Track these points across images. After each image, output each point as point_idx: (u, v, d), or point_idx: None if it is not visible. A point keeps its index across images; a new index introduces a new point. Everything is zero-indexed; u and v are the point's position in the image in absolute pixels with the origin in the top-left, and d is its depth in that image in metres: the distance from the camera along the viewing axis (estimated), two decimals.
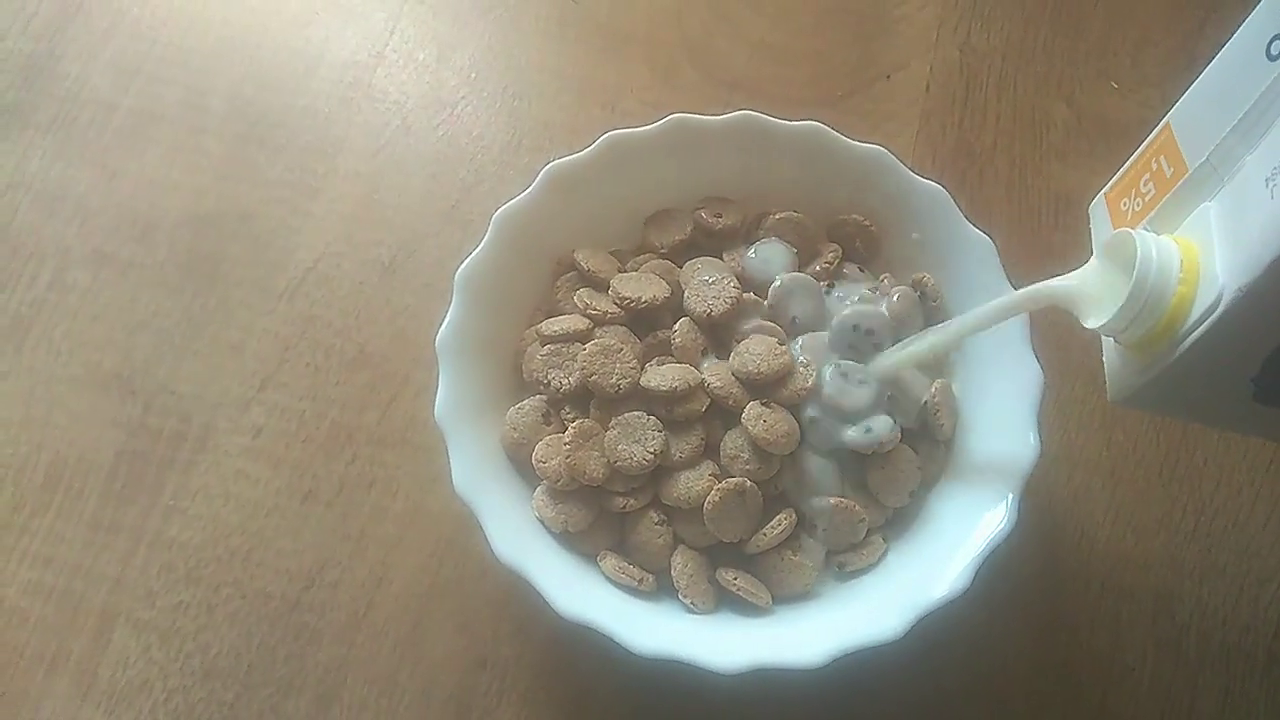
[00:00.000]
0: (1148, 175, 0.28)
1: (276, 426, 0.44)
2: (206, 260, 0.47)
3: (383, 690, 0.39)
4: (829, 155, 0.40)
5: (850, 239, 0.42)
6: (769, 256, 0.40)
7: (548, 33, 0.53)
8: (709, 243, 0.41)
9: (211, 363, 0.45)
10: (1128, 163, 0.29)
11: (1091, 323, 0.28)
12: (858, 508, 0.37)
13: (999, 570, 0.36)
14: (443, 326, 0.37)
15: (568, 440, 0.36)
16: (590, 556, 0.37)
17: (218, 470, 0.43)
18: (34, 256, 0.47)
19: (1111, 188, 0.30)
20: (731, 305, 0.38)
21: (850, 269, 0.41)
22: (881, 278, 0.41)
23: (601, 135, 0.40)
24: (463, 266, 0.38)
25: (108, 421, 0.44)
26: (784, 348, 0.37)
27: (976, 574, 0.34)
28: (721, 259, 0.41)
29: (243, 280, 0.46)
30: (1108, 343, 0.30)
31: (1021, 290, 0.33)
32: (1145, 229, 0.27)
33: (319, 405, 0.44)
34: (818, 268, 0.40)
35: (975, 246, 0.39)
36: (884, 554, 0.37)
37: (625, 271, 0.40)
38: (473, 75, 0.51)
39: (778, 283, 0.39)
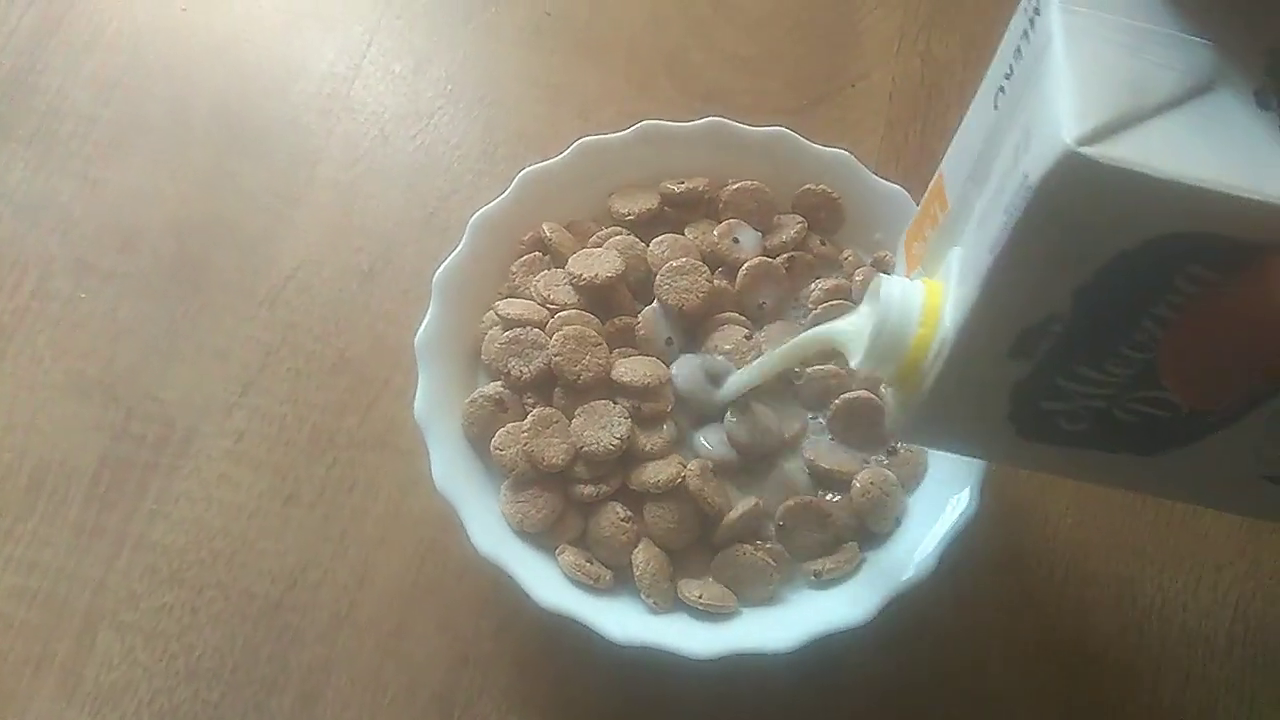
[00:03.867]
0: (928, 219, 0.28)
1: (258, 431, 0.44)
2: (188, 268, 0.48)
3: (366, 688, 0.40)
4: (795, 159, 0.42)
5: (815, 210, 0.42)
6: (737, 237, 0.41)
7: (523, 44, 0.54)
8: (675, 214, 0.42)
9: (194, 369, 0.45)
10: (919, 206, 0.30)
11: (851, 361, 0.29)
12: (824, 505, 0.37)
13: (966, 558, 0.37)
14: (421, 328, 0.38)
15: (525, 428, 0.36)
16: (551, 550, 0.37)
17: (200, 474, 0.43)
18: (16, 266, 0.47)
19: (909, 229, 0.30)
20: (703, 299, 0.39)
21: (814, 244, 0.42)
22: (845, 254, 0.42)
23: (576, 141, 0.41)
24: (440, 269, 0.39)
25: (91, 427, 0.44)
26: (752, 340, 0.38)
27: (943, 558, 0.36)
28: (684, 234, 0.41)
29: (225, 288, 0.47)
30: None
31: (806, 333, 0.35)
32: (918, 273, 0.28)
33: (300, 409, 0.45)
34: (784, 238, 0.41)
35: None
36: (860, 564, 0.37)
37: (587, 247, 0.40)
38: (449, 86, 0.53)
39: (744, 271, 0.40)
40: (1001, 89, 0.24)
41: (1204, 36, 0.22)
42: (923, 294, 0.26)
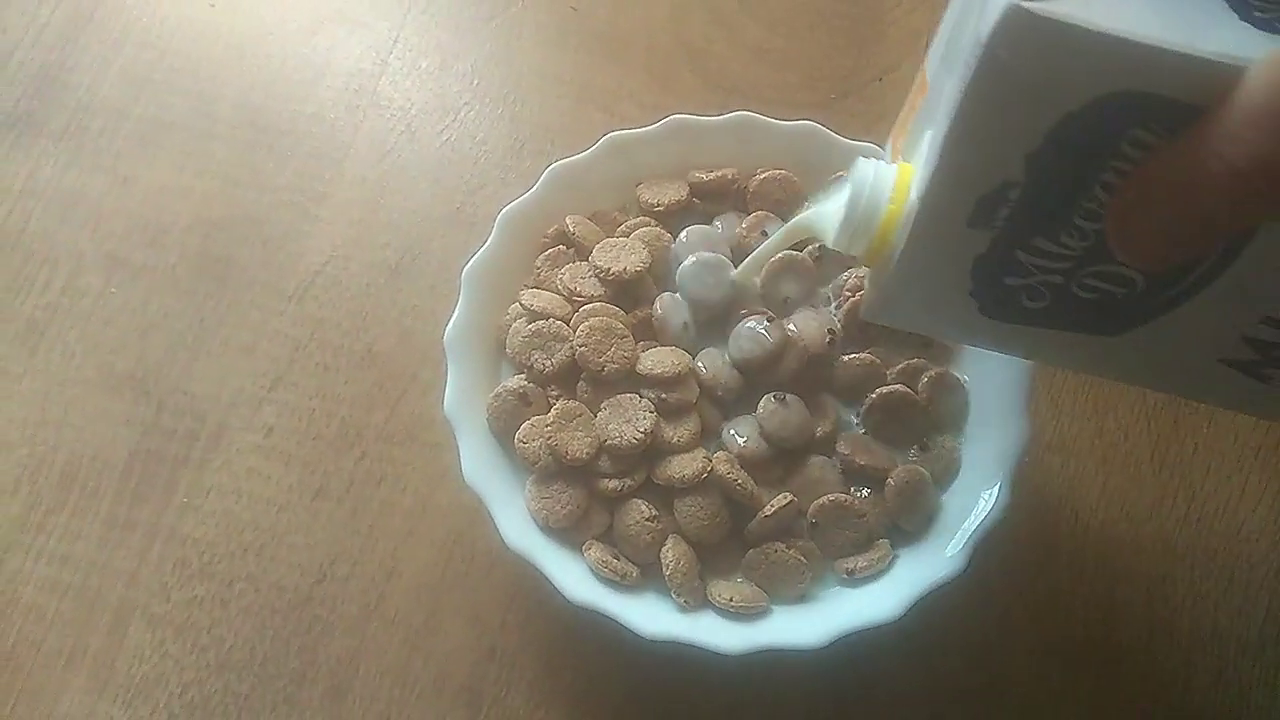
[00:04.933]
0: (910, 111, 0.29)
1: (287, 425, 0.45)
2: (217, 264, 0.48)
3: (395, 680, 0.40)
4: (823, 153, 0.41)
5: None
6: (765, 230, 0.40)
7: (548, 40, 0.54)
8: (703, 205, 0.42)
9: (223, 363, 0.46)
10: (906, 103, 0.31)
11: (828, 242, 0.30)
12: (857, 504, 0.37)
13: (996, 555, 0.37)
14: (450, 322, 0.38)
15: (549, 421, 0.36)
16: (578, 546, 0.37)
17: (230, 468, 0.44)
18: (48, 262, 0.48)
19: (894, 127, 0.31)
20: (726, 294, 0.39)
21: None
22: None
23: (603, 136, 0.41)
24: (469, 264, 0.39)
25: (122, 421, 0.45)
26: (771, 325, 0.38)
27: (973, 556, 0.35)
28: (713, 225, 0.41)
29: (253, 283, 0.47)
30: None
31: (792, 220, 0.35)
32: (899, 161, 0.29)
33: (329, 404, 0.45)
34: None
35: None
36: (893, 562, 0.37)
37: (613, 238, 0.40)
38: (475, 82, 0.53)
39: (769, 264, 0.39)
40: None
41: None
42: (895, 174, 0.27)
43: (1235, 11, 0.21)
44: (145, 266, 0.48)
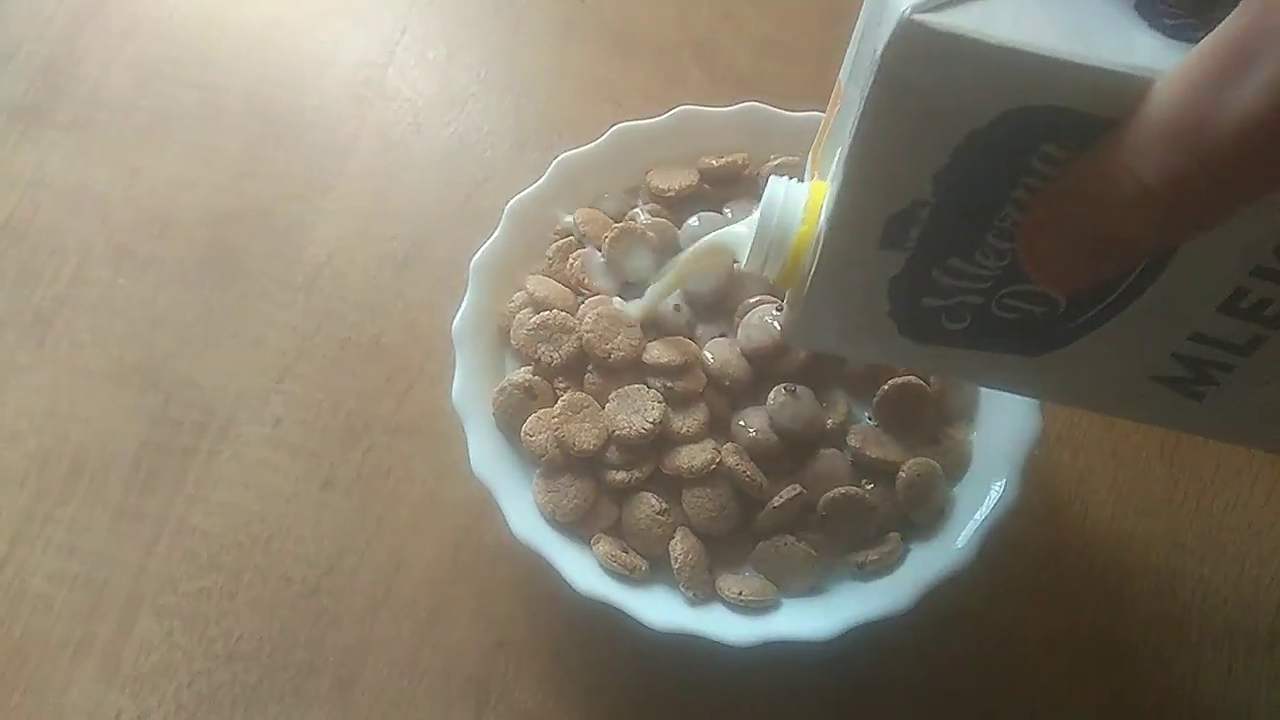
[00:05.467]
0: (827, 126, 0.28)
1: (295, 417, 0.45)
2: (225, 256, 0.48)
3: (403, 672, 0.40)
4: None
5: None
6: None
7: (555, 32, 0.54)
8: (714, 191, 0.41)
9: (231, 355, 0.46)
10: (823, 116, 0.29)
11: (742, 264, 0.29)
12: (868, 497, 0.37)
13: (1005, 548, 0.36)
14: (459, 313, 0.38)
15: (556, 413, 0.36)
16: (587, 539, 0.36)
17: (238, 460, 0.44)
18: (56, 253, 0.48)
19: (815, 140, 0.30)
20: (721, 284, 0.38)
21: None
22: None
23: (610, 128, 0.41)
24: (477, 255, 0.39)
25: (130, 413, 0.45)
26: (780, 314, 0.37)
27: (982, 548, 0.35)
28: (722, 213, 0.40)
29: (260, 275, 0.47)
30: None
31: (703, 239, 0.34)
32: (815, 178, 0.28)
33: (336, 396, 0.45)
34: None
35: None
36: (904, 555, 0.37)
37: (624, 222, 0.40)
38: (482, 74, 0.53)
39: None
40: None
41: None
42: (807, 194, 0.26)
43: (1144, 19, 0.20)
44: (153, 258, 0.48)
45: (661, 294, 0.37)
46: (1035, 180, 0.21)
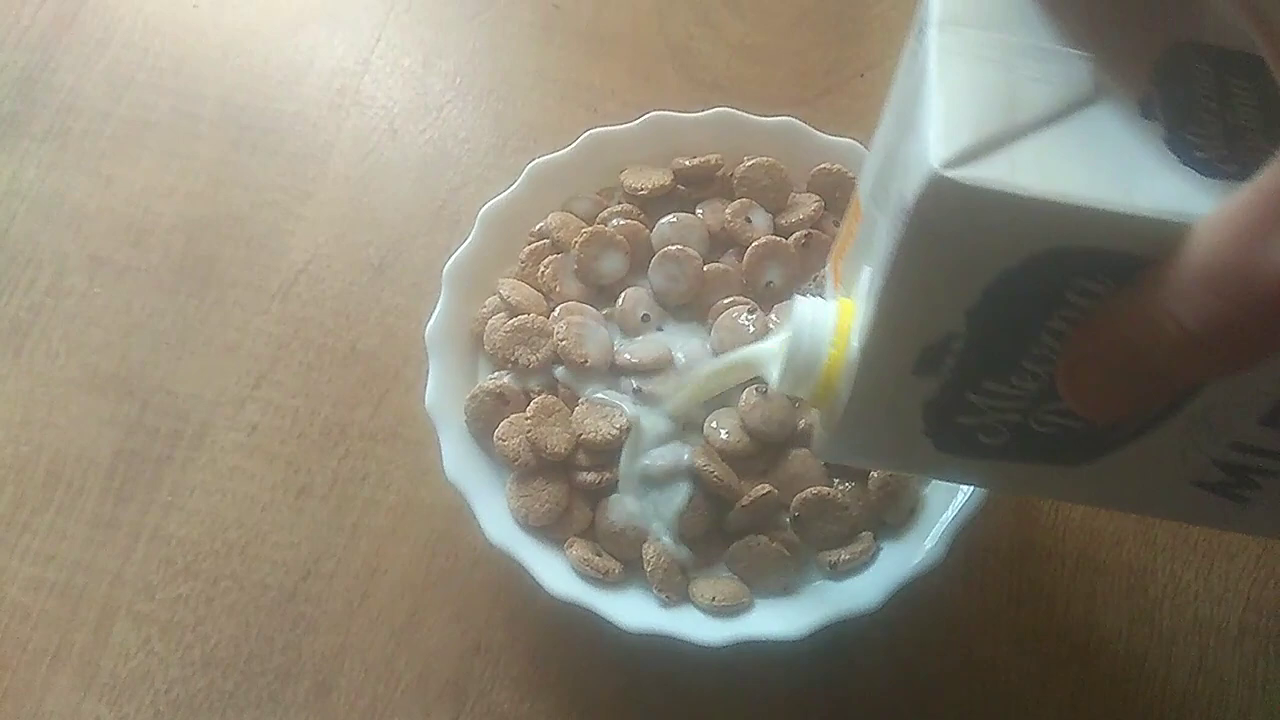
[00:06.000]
0: (849, 236, 0.28)
1: (271, 423, 0.45)
2: (201, 263, 0.48)
3: (380, 677, 0.40)
4: (803, 149, 0.42)
5: (831, 189, 0.42)
6: (749, 216, 0.40)
7: (531, 37, 0.54)
8: (688, 192, 0.42)
9: (207, 362, 0.46)
10: (842, 224, 0.29)
11: (773, 385, 0.29)
12: (839, 498, 0.37)
13: (977, 546, 0.37)
14: (431, 319, 0.38)
15: (529, 415, 0.36)
16: (560, 543, 0.37)
17: (214, 467, 0.44)
18: (32, 262, 0.48)
19: (834, 248, 0.30)
20: (689, 287, 0.39)
21: (828, 225, 0.41)
22: None
23: (583, 133, 0.41)
24: (450, 261, 0.39)
25: (106, 421, 0.45)
26: (754, 317, 0.38)
27: (952, 546, 0.36)
28: (696, 212, 0.41)
29: (236, 282, 0.48)
30: None
31: (727, 355, 0.34)
32: (840, 291, 0.28)
33: (312, 402, 0.45)
34: (800, 216, 0.41)
35: None
36: (875, 554, 0.37)
37: (595, 225, 0.40)
38: (458, 80, 0.53)
39: (751, 249, 0.39)
40: (896, 109, 0.24)
41: (1087, 49, 0.21)
42: (835, 315, 0.26)
43: (1176, 154, 0.20)
44: (129, 266, 0.48)
45: (681, 406, 0.37)
46: (1070, 312, 0.21)
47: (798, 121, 0.42)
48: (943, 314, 0.22)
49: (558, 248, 0.40)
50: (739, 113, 0.42)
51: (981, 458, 0.26)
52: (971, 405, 0.24)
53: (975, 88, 0.20)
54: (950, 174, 0.19)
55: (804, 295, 0.28)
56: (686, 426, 0.37)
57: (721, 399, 0.37)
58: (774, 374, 0.29)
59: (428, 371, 0.38)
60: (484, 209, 0.40)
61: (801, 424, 0.38)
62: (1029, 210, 0.19)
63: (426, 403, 0.37)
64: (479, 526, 0.36)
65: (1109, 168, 0.20)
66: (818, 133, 0.42)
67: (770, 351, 0.30)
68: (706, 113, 0.42)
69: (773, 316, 0.39)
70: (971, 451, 0.26)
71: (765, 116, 0.42)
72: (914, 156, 0.20)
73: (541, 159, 0.41)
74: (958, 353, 0.23)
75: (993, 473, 0.27)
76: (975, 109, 0.20)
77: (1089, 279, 0.20)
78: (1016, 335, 0.22)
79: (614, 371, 0.38)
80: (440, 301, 0.39)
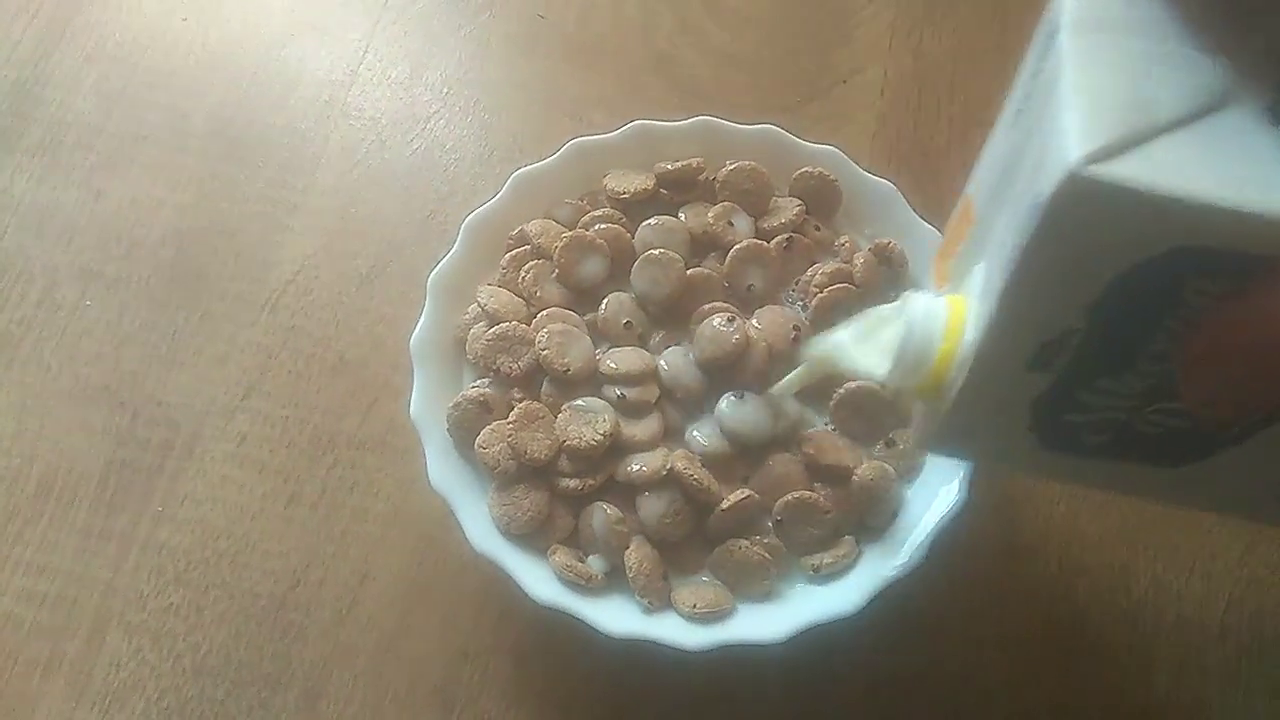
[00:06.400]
0: (956, 237, 0.29)
1: (260, 433, 0.45)
2: (190, 275, 0.48)
3: (369, 683, 0.41)
4: (784, 156, 0.42)
5: (813, 193, 0.42)
6: (732, 220, 0.41)
7: (517, 48, 0.55)
8: (670, 196, 0.42)
9: (197, 373, 0.46)
10: (948, 225, 0.30)
11: (878, 375, 0.30)
12: (821, 502, 0.37)
13: (960, 548, 0.37)
14: (416, 329, 0.39)
15: (511, 420, 0.37)
16: (544, 550, 0.37)
17: (204, 477, 0.44)
18: (23, 275, 0.48)
19: (939, 249, 0.31)
20: (672, 290, 0.39)
21: (809, 229, 0.42)
22: (842, 239, 0.42)
23: (567, 142, 0.42)
24: (435, 271, 0.40)
25: (97, 432, 0.45)
26: (733, 326, 0.38)
27: (933, 549, 0.36)
28: (679, 215, 0.41)
29: (225, 293, 0.48)
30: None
31: (820, 350, 0.34)
32: (947, 289, 0.28)
33: (301, 412, 0.45)
34: (782, 220, 0.41)
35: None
36: (857, 557, 0.38)
37: (575, 230, 0.40)
38: (445, 91, 0.53)
39: (733, 253, 0.40)
40: (1021, 110, 0.25)
41: (1218, 55, 0.22)
42: (947, 309, 0.26)
43: None
44: (119, 279, 0.48)
45: (788, 390, 0.37)
46: (1187, 311, 0.22)
47: (779, 129, 0.43)
48: (1065, 310, 0.23)
49: (539, 253, 0.40)
50: (721, 121, 0.43)
51: (1083, 456, 0.26)
52: (1080, 403, 0.25)
53: (1110, 89, 0.21)
54: (1088, 171, 0.20)
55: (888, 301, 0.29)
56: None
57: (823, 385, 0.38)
58: (871, 366, 0.30)
59: (413, 381, 0.38)
60: (468, 219, 0.41)
61: (779, 425, 0.38)
62: (1162, 208, 0.20)
63: (411, 412, 0.38)
64: (464, 534, 0.36)
65: (1241, 170, 0.20)
66: (799, 140, 0.42)
67: (862, 344, 0.31)
68: (688, 121, 0.43)
69: (754, 322, 0.39)
70: (1074, 449, 0.26)
71: (748, 124, 0.43)
72: (1049, 155, 0.21)
73: (525, 168, 0.42)
74: (1073, 349, 0.23)
75: (1093, 471, 0.27)
76: (1111, 109, 0.21)
77: (1210, 279, 0.21)
78: (1133, 333, 0.23)
79: (597, 381, 0.38)
80: (425, 311, 0.39)
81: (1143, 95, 0.21)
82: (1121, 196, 0.20)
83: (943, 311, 0.26)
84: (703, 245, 0.41)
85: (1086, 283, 0.22)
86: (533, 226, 0.40)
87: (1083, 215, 0.21)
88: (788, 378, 0.37)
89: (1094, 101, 0.21)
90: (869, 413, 0.39)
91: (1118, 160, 0.20)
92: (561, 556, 0.36)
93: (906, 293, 0.28)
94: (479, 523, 0.37)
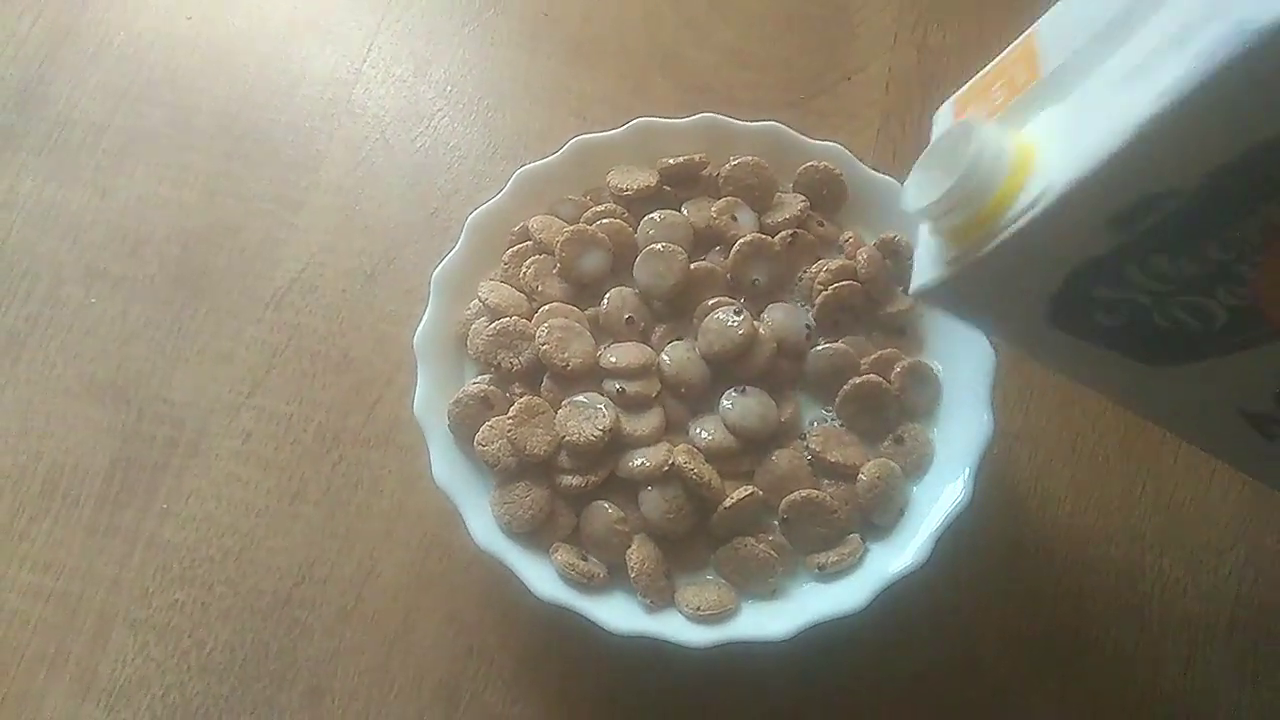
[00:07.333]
0: (1000, 83, 0.27)
1: (265, 430, 0.45)
2: (195, 273, 0.49)
3: (374, 680, 0.41)
4: (788, 153, 0.42)
5: (817, 187, 0.42)
6: (735, 215, 0.41)
7: (521, 45, 0.55)
8: (674, 192, 0.42)
9: (202, 371, 0.46)
10: (980, 73, 0.29)
11: (916, 203, 0.27)
12: (828, 501, 0.37)
13: (965, 546, 0.37)
14: (420, 326, 0.39)
15: (511, 416, 0.36)
16: (545, 550, 0.37)
17: (209, 474, 0.44)
18: (29, 274, 0.49)
19: (960, 95, 0.29)
20: (675, 284, 0.39)
21: (813, 224, 0.41)
22: (847, 235, 0.41)
23: (570, 139, 0.42)
24: (438, 268, 0.40)
25: (103, 430, 0.45)
26: (740, 318, 0.38)
27: (937, 547, 0.36)
28: (682, 210, 0.41)
29: (230, 291, 0.48)
30: (921, 236, 0.29)
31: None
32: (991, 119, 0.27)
33: (306, 409, 0.46)
34: (787, 215, 0.41)
35: None
36: (864, 556, 0.37)
37: (576, 225, 0.40)
38: (449, 89, 0.53)
39: (737, 247, 0.40)
40: None
41: None
42: (1013, 152, 0.25)
43: None
44: (124, 277, 0.48)
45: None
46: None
47: (782, 126, 0.42)
48: (1192, 167, 0.22)
49: (540, 248, 0.40)
50: (724, 118, 0.43)
51: (1079, 336, 0.26)
52: (1122, 277, 0.24)
53: None
54: None
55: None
56: None
57: None
58: (913, 193, 0.27)
59: (417, 378, 0.38)
60: (471, 216, 0.41)
61: (783, 419, 0.38)
62: None
63: (415, 409, 0.38)
64: (467, 531, 0.36)
65: None
66: (802, 137, 0.42)
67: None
68: (692, 118, 0.43)
69: (765, 318, 0.39)
70: (1077, 328, 0.26)
71: (751, 121, 0.43)
72: (1221, 7, 0.20)
73: (529, 166, 0.42)
74: (1164, 212, 0.22)
75: (1078, 356, 0.27)
76: None
77: None
78: (1232, 213, 0.22)
79: (598, 376, 0.38)
80: (428, 309, 0.39)
81: None
82: None
83: (1012, 146, 0.25)
84: (706, 240, 0.41)
85: (1230, 142, 0.21)
86: (535, 222, 0.40)
87: (1262, 73, 0.20)
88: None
89: None
90: (875, 408, 0.39)
91: None
92: (564, 554, 0.36)
93: (961, 123, 0.26)
94: (482, 520, 0.37)
